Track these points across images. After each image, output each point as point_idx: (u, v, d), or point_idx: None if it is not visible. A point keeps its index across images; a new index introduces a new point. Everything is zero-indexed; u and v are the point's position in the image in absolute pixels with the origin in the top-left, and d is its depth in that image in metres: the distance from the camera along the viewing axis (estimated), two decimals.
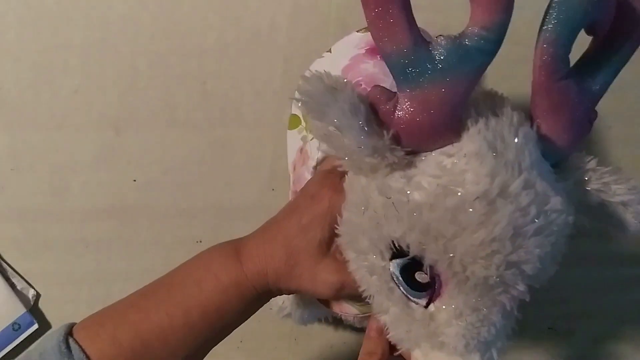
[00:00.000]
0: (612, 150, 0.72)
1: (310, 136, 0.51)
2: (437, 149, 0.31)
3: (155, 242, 0.69)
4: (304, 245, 0.38)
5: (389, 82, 0.31)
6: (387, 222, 0.32)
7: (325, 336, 0.70)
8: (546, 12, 0.28)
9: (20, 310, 0.65)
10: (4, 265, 0.67)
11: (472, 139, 0.30)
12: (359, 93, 0.30)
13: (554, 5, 0.28)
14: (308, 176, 0.47)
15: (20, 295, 0.66)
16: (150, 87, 0.68)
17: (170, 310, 0.38)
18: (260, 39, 0.68)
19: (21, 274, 0.67)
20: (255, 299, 0.40)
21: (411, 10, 0.28)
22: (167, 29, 0.67)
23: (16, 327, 0.64)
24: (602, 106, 0.71)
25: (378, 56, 0.48)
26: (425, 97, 0.29)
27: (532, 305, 0.72)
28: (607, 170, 0.35)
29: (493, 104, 0.32)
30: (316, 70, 0.31)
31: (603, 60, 0.31)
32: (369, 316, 0.46)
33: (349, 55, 0.50)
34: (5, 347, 0.64)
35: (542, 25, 0.29)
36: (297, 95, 0.30)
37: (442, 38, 0.28)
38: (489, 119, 0.31)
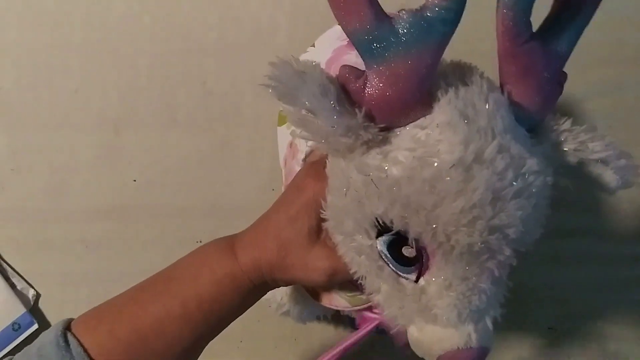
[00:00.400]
0: None
1: None
2: (410, 122, 0.31)
3: (155, 242, 0.69)
4: (294, 235, 0.39)
5: None
6: (369, 200, 0.32)
7: (326, 336, 0.70)
8: None
9: (20, 310, 0.65)
10: (4, 265, 0.67)
11: (443, 109, 0.30)
12: (328, 74, 0.31)
13: None
14: (298, 169, 0.47)
15: (20, 295, 0.66)
16: (150, 87, 0.68)
17: (166, 302, 0.39)
18: (260, 39, 0.69)
19: (21, 274, 0.67)
20: (251, 291, 0.40)
21: None
22: (167, 29, 0.68)
23: (16, 327, 0.64)
24: (602, 106, 0.72)
25: None
26: (392, 71, 0.29)
27: (532, 305, 0.72)
28: (582, 129, 0.35)
29: (462, 73, 0.33)
30: (283, 56, 0.31)
31: (566, 21, 0.31)
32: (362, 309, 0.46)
33: (332, 47, 0.50)
34: (5, 347, 0.64)
35: None
36: (266, 81, 0.30)
37: (404, 12, 0.29)
38: (459, 89, 0.31)
